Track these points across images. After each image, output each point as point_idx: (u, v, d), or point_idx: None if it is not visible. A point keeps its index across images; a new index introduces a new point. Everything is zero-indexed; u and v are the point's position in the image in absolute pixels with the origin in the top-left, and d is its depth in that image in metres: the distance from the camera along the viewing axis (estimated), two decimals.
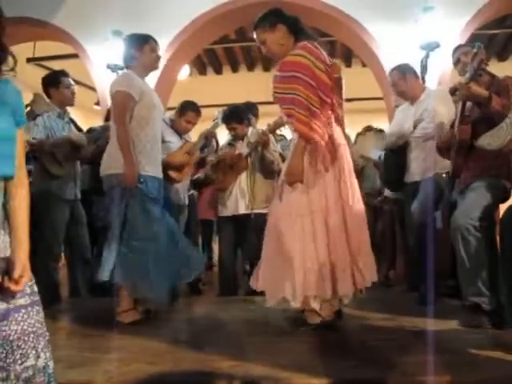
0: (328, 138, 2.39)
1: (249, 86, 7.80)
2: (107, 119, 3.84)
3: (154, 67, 2.92)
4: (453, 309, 2.73)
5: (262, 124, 4.43)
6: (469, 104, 2.61)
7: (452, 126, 2.74)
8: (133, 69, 2.79)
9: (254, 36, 2.60)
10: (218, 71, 9.30)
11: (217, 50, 8.17)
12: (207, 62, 8.94)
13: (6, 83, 1.33)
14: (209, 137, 3.90)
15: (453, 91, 3.20)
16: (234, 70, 9.18)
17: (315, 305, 2.34)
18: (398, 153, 3.40)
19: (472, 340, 2.19)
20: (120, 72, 4.81)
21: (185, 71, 6.50)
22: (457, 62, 2.95)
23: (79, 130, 3.62)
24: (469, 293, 2.48)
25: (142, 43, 2.79)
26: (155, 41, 2.87)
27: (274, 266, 2.42)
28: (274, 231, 2.44)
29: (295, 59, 2.37)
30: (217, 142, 4.54)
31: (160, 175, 2.86)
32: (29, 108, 2.96)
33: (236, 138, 3.90)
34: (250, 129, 3.92)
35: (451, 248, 2.67)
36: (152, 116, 2.76)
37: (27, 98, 3.34)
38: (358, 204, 2.43)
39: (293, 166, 2.39)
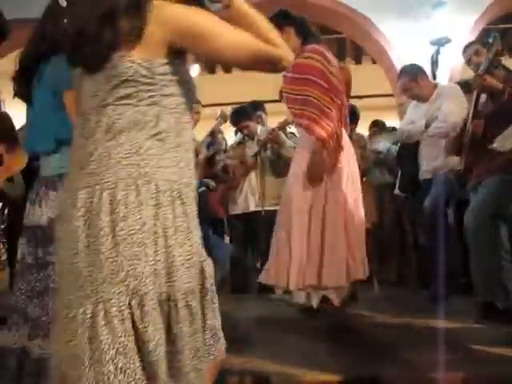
0: (336, 138, 2.45)
1: (258, 84, 7.79)
2: None
3: None
4: (465, 306, 2.71)
5: (270, 122, 4.44)
6: (482, 98, 2.57)
7: (465, 120, 2.69)
8: None
9: None
10: (228, 70, 9.30)
11: None
12: None
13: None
14: (215, 134, 3.91)
15: (463, 86, 3.17)
16: None
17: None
18: (410, 150, 3.36)
19: (485, 337, 2.18)
20: None
21: (194, 70, 6.51)
22: (469, 62, 2.90)
23: None
24: (481, 290, 2.46)
25: None
26: None
27: (280, 258, 2.49)
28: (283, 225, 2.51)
29: (308, 62, 2.43)
30: (225, 140, 4.55)
31: None
32: None
33: (247, 136, 3.91)
34: (259, 127, 3.92)
35: (463, 245, 2.65)
36: None
37: None
38: (356, 202, 2.52)
39: (314, 168, 2.45)
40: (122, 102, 1.05)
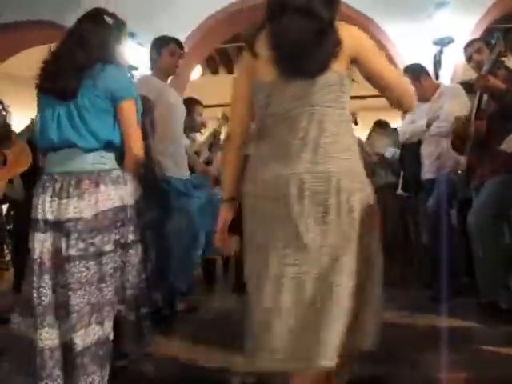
0: None
1: None
2: None
3: (173, 72, 2.91)
4: (468, 306, 2.71)
5: None
6: (485, 98, 2.57)
7: (467, 120, 2.69)
8: (155, 70, 2.80)
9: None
10: (230, 70, 9.31)
11: (229, 49, 8.19)
12: (219, 61, 8.96)
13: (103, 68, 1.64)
14: (216, 136, 3.91)
15: (466, 86, 3.16)
16: None
17: None
18: (412, 151, 3.36)
19: (488, 338, 2.18)
20: (134, 72, 4.87)
21: (197, 71, 6.52)
22: (469, 60, 2.89)
23: None
24: (485, 290, 2.45)
25: (160, 46, 2.80)
26: (179, 43, 2.86)
27: None
28: None
29: None
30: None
31: (184, 176, 2.81)
32: None
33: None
34: None
35: (466, 245, 2.65)
36: (171, 117, 2.73)
37: None
38: None
39: None
40: (327, 104, 1.30)
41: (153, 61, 2.82)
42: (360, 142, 4.22)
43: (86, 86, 1.64)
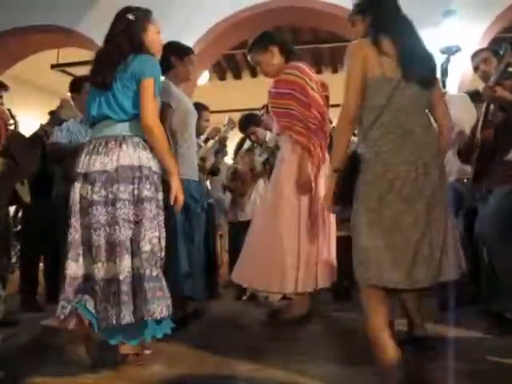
0: (320, 149, 2.68)
1: (267, 90, 7.82)
2: None
3: (187, 79, 2.99)
4: (474, 316, 2.69)
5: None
6: (492, 108, 2.57)
7: (474, 130, 2.69)
8: (169, 75, 2.82)
9: (249, 58, 2.88)
10: (237, 76, 9.35)
11: (236, 55, 8.22)
12: (226, 67, 9.00)
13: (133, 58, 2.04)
14: (222, 142, 3.93)
15: (473, 95, 3.16)
16: (253, 75, 9.22)
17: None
18: None
19: (494, 348, 2.16)
20: None
21: (205, 76, 6.55)
22: (476, 69, 2.89)
23: None
24: (492, 300, 2.44)
25: (184, 54, 2.85)
26: (192, 51, 2.96)
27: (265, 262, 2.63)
28: (263, 230, 2.69)
29: (290, 78, 2.65)
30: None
31: (197, 178, 2.90)
32: (55, 114, 3.02)
33: (255, 143, 3.93)
34: (268, 134, 3.94)
35: (472, 254, 2.64)
36: (188, 122, 2.82)
37: (51, 103, 3.42)
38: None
39: (303, 177, 2.63)
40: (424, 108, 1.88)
41: (171, 65, 2.85)
42: None
43: (119, 74, 2.03)
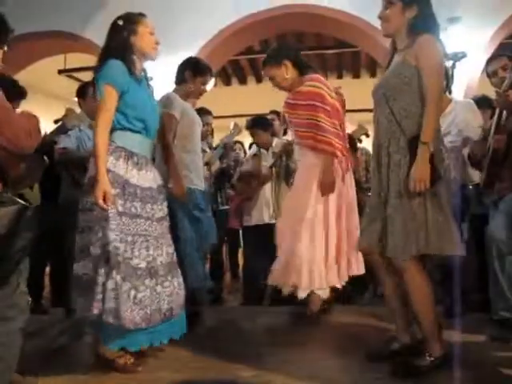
0: (346, 153, 2.82)
1: (273, 96, 7.84)
2: None
3: (196, 97, 3.00)
4: (480, 323, 2.68)
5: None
6: (505, 113, 2.56)
7: (486, 135, 2.68)
8: (179, 88, 2.85)
9: (263, 73, 2.96)
10: (243, 82, 9.39)
11: (241, 60, 8.26)
12: (232, 72, 9.04)
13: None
14: (227, 147, 3.93)
15: (480, 101, 3.15)
16: (258, 80, 9.25)
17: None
18: None
19: (500, 355, 2.15)
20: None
21: (210, 82, 6.58)
22: (493, 74, 2.86)
23: None
24: (499, 307, 2.43)
25: (198, 72, 2.86)
26: (211, 74, 2.97)
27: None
28: (291, 231, 2.79)
29: (312, 90, 2.73)
30: (244, 152, 4.57)
31: (203, 188, 2.91)
32: (60, 122, 3.04)
33: (260, 147, 3.94)
34: (275, 139, 3.95)
35: (478, 261, 2.63)
36: (193, 132, 2.84)
37: (57, 107, 3.44)
38: (353, 211, 2.85)
39: (328, 177, 2.73)
40: None
41: (180, 79, 2.86)
42: (369, 155, 4.22)
43: None
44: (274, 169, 3.79)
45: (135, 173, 2.07)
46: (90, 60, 6.84)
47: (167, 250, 2.15)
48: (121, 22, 2.16)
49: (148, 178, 2.13)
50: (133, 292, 1.94)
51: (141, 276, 1.99)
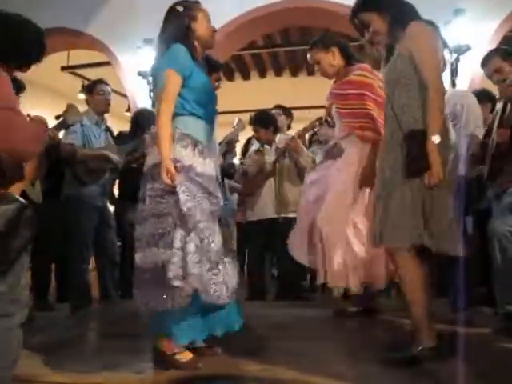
0: None
1: (276, 91, 7.84)
2: (134, 126, 3.94)
3: None
4: (485, 316, 2.68)
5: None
6: (509, 107, 2.54)
7: (489, 128, 2.66)
8: None
9: (308, 56, 2.86)
10: (246, 77, 9.37)
11: (244, 56, 8.24)
12: (235, 67, 9.02)
13: None
14: (231, 143, 3.93)
15: (480, 95, 3.13)
16: (262, 75, 9.23)
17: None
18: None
19: (505, 348, 2.15)
20: (150, 79, 4.93)
21: None
22: (490, 78, 2.80)
23: (114, 138, 3.70)
24: (504, 300, 2.43)
25: (211, 71, 2.79)
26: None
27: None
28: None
29: (362, 79, 2.67)
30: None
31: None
32: (61, 118, 3.05)
33: (262, 143, 3.94)
34: (279, 134, 3.94)
35: (482, 254, 2.62)
36: None
37: (60, 104, 3.44)
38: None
39: (369, 169, 2.58)
40: None
41: None
42: None
43: None
44: (277, 164, 3.79)
45: (201, 161, 2.02)
46: (93, 56, 6.86)
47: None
48: (180, 8, 2.13)
49: (210, 166, 2.08)
50: (209, 264, 1.90)
51: (215, 250, 1.93)
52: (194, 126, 2.05)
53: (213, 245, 1.92)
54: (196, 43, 2.15)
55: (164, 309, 1.90)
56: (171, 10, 2.17)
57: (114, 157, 3.39)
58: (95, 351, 2.44)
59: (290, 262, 2.98)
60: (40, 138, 1.64)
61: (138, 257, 2.00)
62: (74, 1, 5.56)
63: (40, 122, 1.74)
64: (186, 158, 1.98)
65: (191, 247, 1.88)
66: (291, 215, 3.57)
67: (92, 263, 3.71)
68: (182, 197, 1.91)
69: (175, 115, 2.02)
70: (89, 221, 3.39)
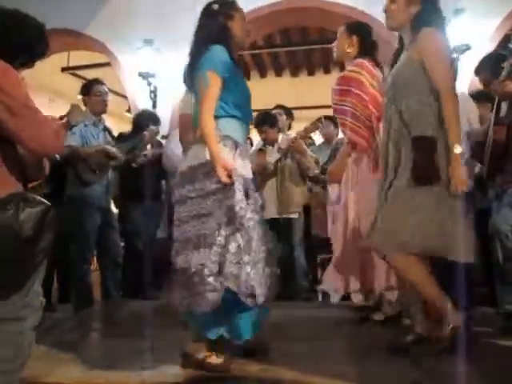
0: (375, 147, 2.58)
1: (277, 91, 7.83)
2: (135, 127, 3.95)
3: None
4: (486, 316, 2.67)
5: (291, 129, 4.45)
6: (504, 104, 2.55)
7: (486, 128, 2.66)
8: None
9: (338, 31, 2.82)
10: (246, 77, 9.36)
11: (245, 56, 8.23)
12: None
13: None
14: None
15: (477, 96, 3.13)
16: (262, 75, 9.23)
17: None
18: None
19: (506, 348, 2.15)
20: (151, 80, 4.94)
21: None
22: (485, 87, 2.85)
23: (113, 138, 3.71)
24: (505, 300, 2.42)
25: None
26: None
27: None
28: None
29: (351, 75, 2.66)
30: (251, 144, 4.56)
31: None
32: (65, 119, 3.05)
33: (267, 143, 3.94)
34: (281, 135, 3.94)
35: (483, 254, 2.62)
36: None
37: (61, 105, 3.45)
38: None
39: (334, 167, 2.71)
40: None
41: None
42: None
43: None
44: (279, 164, 3.79)
45: (241, 163, 1.99)
46: (94, 57, 6.85)
47: None
48: (216, 7, 2.10)
49: (248, 167, 2.06)
50: (251, 264, 1.86)
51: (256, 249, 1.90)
52: (234, 128, 2.02)
53: (254, 245, 1.89)
54: (233, 42, 2.11)
55: (203, 310, 1.86)
56: (207, 8, 2.14)
57: (112, 149, 3.39)
58: (96, 352, 2.44)
59: (291, 262, 2.98)
60: (61, 134, 1.65)
61: (180, 259, 1.94)
62: (74, 2, 5.55)
63: (53, 118, 1.75)
64: (228, 160, 1.93)
65: (233, 247, 1.85)
66: (292, 216, 3.57)
67: (94, 264, 3.71)
68: (238, 195, 1.87)
69: (215, 117, 1.97)
70: (91, 221, 3.39)
